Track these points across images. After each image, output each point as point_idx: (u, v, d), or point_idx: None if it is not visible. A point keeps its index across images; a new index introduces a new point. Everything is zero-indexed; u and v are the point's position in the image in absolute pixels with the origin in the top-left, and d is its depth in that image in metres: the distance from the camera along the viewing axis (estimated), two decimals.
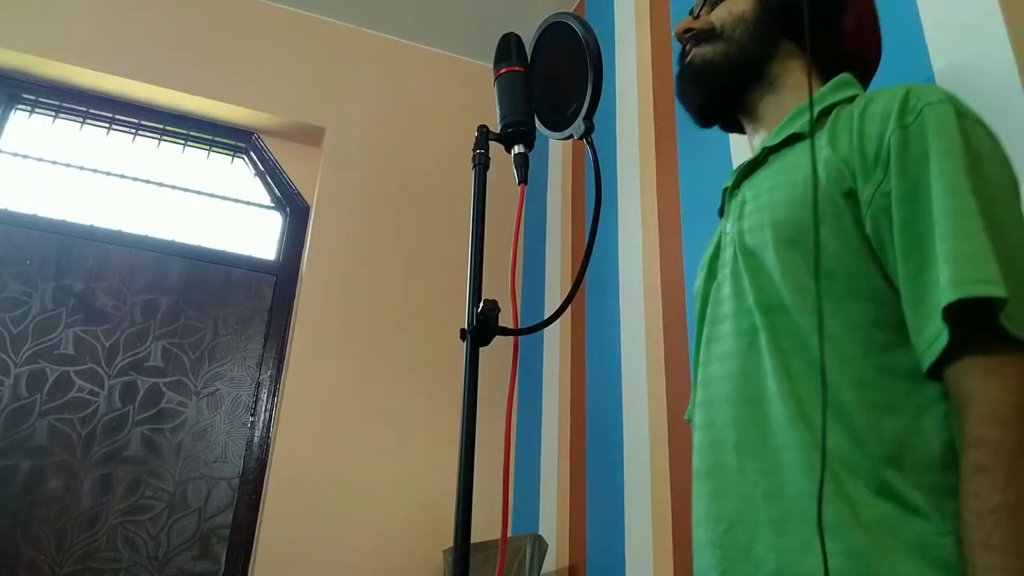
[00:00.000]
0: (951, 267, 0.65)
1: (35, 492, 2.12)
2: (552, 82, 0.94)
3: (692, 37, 0.95)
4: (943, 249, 0.66)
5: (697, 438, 0.84)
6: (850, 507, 0.66)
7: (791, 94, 0.91)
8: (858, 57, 0.93)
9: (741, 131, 1.01)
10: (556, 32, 0.95)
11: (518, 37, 0.97)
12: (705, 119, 0.97)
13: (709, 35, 0.94)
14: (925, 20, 1.18)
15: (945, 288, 0.64)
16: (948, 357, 0.65)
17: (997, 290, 0.63)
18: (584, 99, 0.87)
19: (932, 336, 0.66)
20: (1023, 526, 0.58)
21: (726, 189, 0.95)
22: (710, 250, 0.93)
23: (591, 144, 0.88)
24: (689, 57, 0.96)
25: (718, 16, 0.94)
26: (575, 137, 0.89)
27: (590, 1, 2.66)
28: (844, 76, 0.88)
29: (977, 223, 0.66)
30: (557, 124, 0.92)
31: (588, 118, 0.87)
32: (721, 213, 0.98)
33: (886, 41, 1.24)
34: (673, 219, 1.85)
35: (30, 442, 2.16)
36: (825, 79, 0.90)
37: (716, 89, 0.93)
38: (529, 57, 0.96)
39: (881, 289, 0.73)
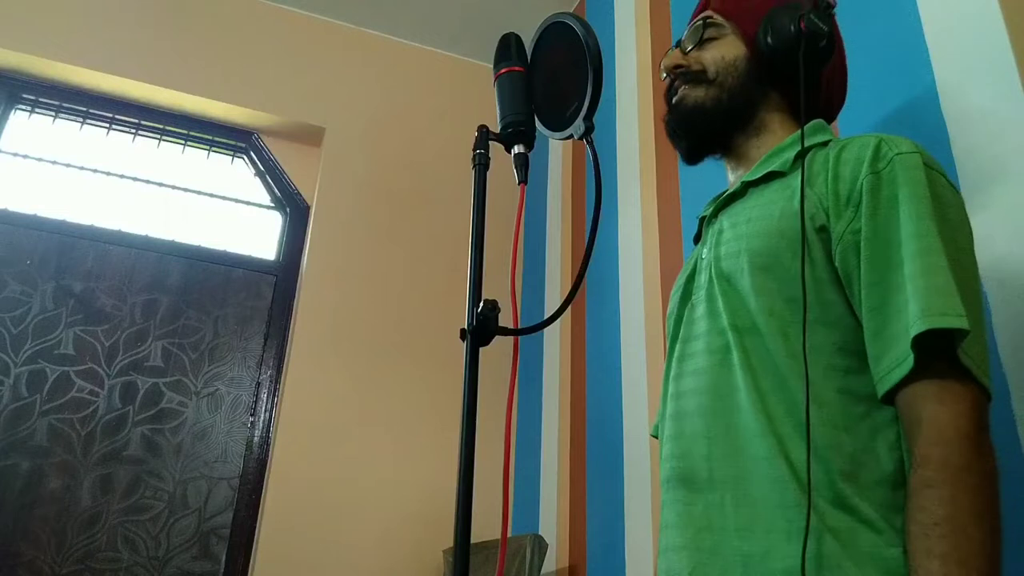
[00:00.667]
0: (921, 301, 0.70)
1: (35, 492, 2.12)
2: (552, 82, 0.94)
3: (682, 75, 0.98)
4: (913, 285, 0.71)
5: (667, 448, 0.88)
6: (817, 516, 0.70)
7: (772, 137, 0.96)
8: (827, 103, 0.99)
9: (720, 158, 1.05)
10: (556, 32, 0.95)
11: (518, 37, 0.97)
12: (692, 160, 1.01)
13: (699, 77, 0.97)
14: (926, 23, 1.18)
15: (915, 319, 0.70)
16: (903, 382, 0.71)
17: (962, 323, 0.68)
18: (584, 99, 0.87)
19: (895, 361, 0.71)
20: (965, 537, 0.63)
21: (703, 217, 0.99)
22: (685, 273, 0.97)
23: (591, 144, 0.88)
24: (679, 96, 0.99)
25: (710, 59, 0.97)
26: (575, 137, 0.89)
27: (590, 1, 2.66)
28: (818, 122, 0.93)
29: (943, 263, 0.72)
30: (557, 124, 0.92)
31: (588, 118, 0.87)
32: (696, 240, 1.02)
33: (887, 45, 1.24)
34: (673, 219, 1.85)
35: (30, 442, 2.16)
36: (799, 123, 0.95)
37: (704, 133, 0.97)
38: (529, 57, 0.96)
39: (845, 318, 0.78)
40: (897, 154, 0.78)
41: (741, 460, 0.77)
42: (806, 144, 0.87)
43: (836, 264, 0.79)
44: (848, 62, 1.04)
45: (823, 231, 0.79)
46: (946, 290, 0.70)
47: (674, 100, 0.99)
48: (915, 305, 0.70)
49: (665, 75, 1.01)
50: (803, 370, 0.76)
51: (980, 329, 0.72)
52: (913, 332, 0.69)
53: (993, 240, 0.98)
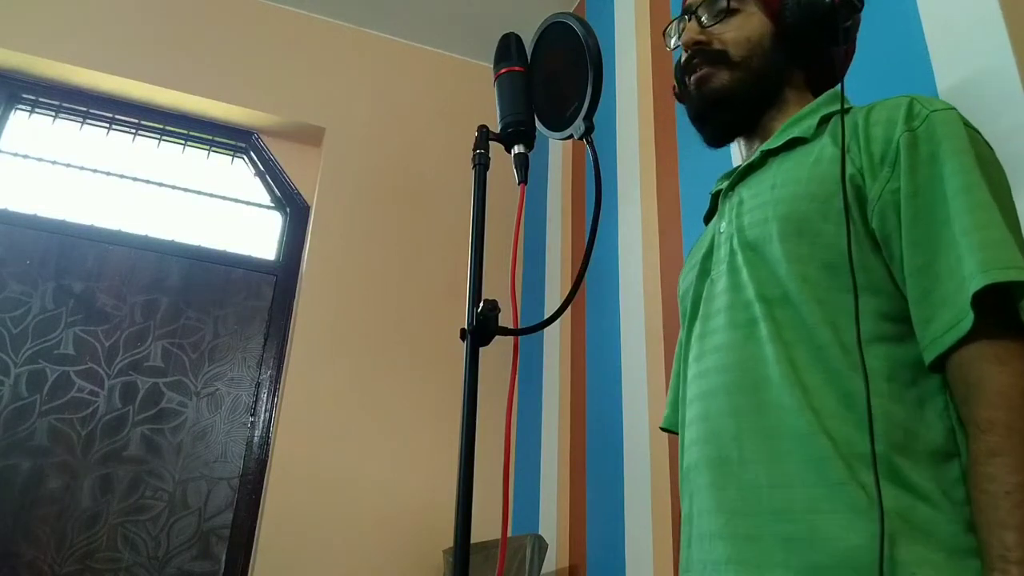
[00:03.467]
0: (979, 255, 0.66)
1: (35, 492, 2.12)
2: (552, 82, 0.93)
3: (701, 52, 0.93)
4: (967, 240, 0.68)
5: (691, 432, 0.84)
6: (866, 494, 0.67)
7: (791, 107, 0.93)
8: (840, 78, 0.97)
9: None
10: (556, 32, 0.94)
11: (518, 37, 0.97)
12: (717, 143, 0.97)
13: (720, 57, 0.91)
14: (927, 27, 1.18)
15: (973, 274, 0.66)
16: (956, 345, 0.67)
17: None
18: (584, 99, 0.87)
19: (949, 322, 0.67)
20: None
21: (718, 193, 0.96)
22: (702, 250, 0.93)
23: (591, 144, 0.87)
24: (700, 76, 0.92)
25: (732, 41, 0.91)
26: (575, 137, 0.89)
27: (590, 1, 2.66)
28: (837, 90, 0.91)
29: (997, 216, 0.68)
30: (557, 124, 0.91)
31: (588, 118, 0.87)
32: (708, 218, 1.00)
33: (889, 48, 1.24)
34: (673, 219, 1.85)
35: (30, 442, 2.16)
36: (816, 95, 0.94)
37: (733, 118, 0.93)
38: (529, 57, 0.96)
39: (885, 283, 0.75)
40: (933, 111, 0.75)
41: (775, 438, 0.73)
42: (827, 111, 0.85)
43: (873, 226, 0.75)
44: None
45: (858, 192, 0.76)
46: (1005, 243, 0.66)
47: (694, 79, 0.94)
48: (972, 260, 0.66)
49: (678, 48, 0.96)
50: (843, 338, 0.72)
51: None
52: (973, 288, 0.65)
53: None
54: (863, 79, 1.26)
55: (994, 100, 1.03)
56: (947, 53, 1.13)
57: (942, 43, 1.14)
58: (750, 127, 0.95)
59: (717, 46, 0.92)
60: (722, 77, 0.92)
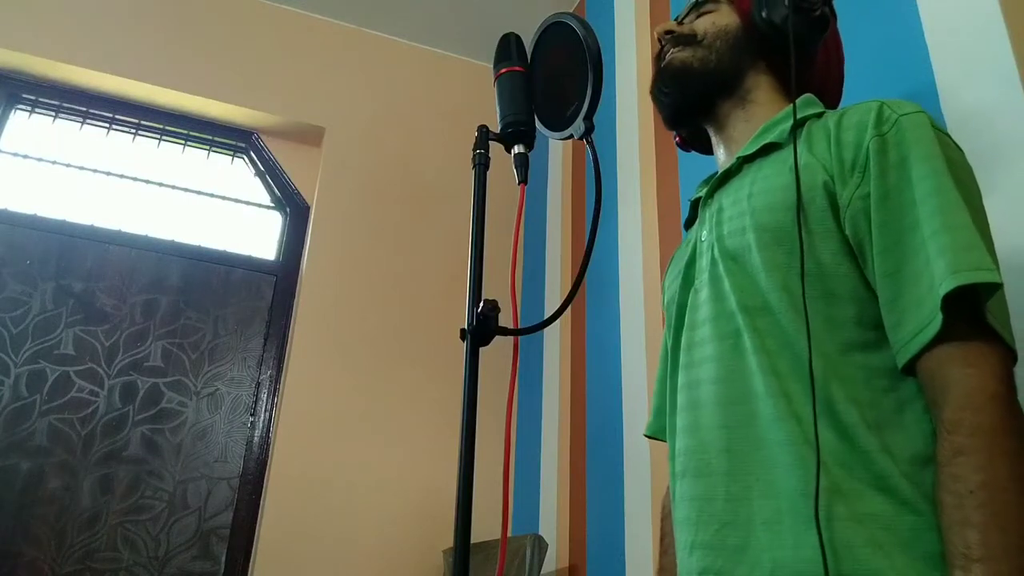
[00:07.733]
0: (947, 258, 0.67)
1: (35, 492, 2.12)
2: (552, 82, 0.94)
3: (672, 39, 0.98)
4: (936, 244, 0.68)
5: (680, 442, 0.85)
6: (843, 501, 0.67)
7: (760, 110, 0.94)
8: (821, 86, 0.97)
9: (701, 149, 1.04)
10: (556, 32, 0.95)
11: (518, 37, 0.97)
12: (675, 122, 1.00)
13: (689, 40, 0.96)
14: (926, 23, 1.18)
15: (942, 277, 0.66)
16: (925, 348, 0.68)
17: (994, 277, 0.65)
18: (584, 99, 0.87)
19: (919, 326, 0.68)
20: (1004, 504, 0.60)
21: (696, 200, 0.97)
22: (684, 259, 0.94)
23: (591, 144, 0.87)
24: (667, 59, 0.98)
25: (701, 25, 0.96)
26: (575, 137, 0.89)
27: (590, 1, 2.66)
28: (809, 96, 0.92)
29: (966, 218, 0.69)
30: (557, 124, 0.92)
31: (588, 118, 0.87)
32: (687, 225, 1.00)
33: (887, 45, 1.24)
34: (673, 219, 1.85)
35: (30, 442, 2.16)
36: (788, 99, 0.94)
37: (690, 93, 0.95)
38: (529, 57, 0.96)
39: (860, 290, 0.75)
40: (902, 115, 0.75)
41: (762, 448, 0.73)
42: (801, 116, 0.86)
43: (846, 233, 0.75)
44: (848, 62, 1.04)
45: (831, 199, 0.76)
46: (973, 244, 0.67)
47: (662, 64, 0.99)
48: (941, 263, 0.66)
49: (658, 44, 1.01)
50: (820, 346, 0.72)
51: (1001, 289, 0.69)
52: (943, 291, 0.65)
53: (993, 238, 0.98)
54: (862, 79, 1.26)
55: (993, 97, 1.03)
56: (946, 51, 1.13)
57: (941, 41, 1.14)
58: (708, 111, 0.96)
59: (687, 31, 0.97)
60: (685, 54, 0.96)
